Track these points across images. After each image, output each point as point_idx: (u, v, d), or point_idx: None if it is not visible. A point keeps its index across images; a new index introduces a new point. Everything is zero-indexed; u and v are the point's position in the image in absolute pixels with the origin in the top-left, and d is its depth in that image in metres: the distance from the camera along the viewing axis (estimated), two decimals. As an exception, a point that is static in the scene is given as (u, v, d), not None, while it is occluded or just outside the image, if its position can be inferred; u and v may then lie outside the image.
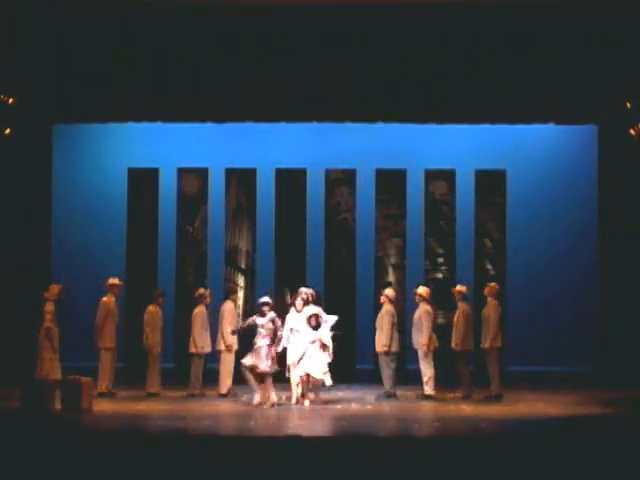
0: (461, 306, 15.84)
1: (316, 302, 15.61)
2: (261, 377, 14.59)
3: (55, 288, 15.03)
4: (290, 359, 14.96)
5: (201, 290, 16.10)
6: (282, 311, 16.04)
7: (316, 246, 18.27)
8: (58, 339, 14.14)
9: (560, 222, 18.13)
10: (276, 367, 14.69)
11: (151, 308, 15.86)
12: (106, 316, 15.81)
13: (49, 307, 14.34)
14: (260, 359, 14.53)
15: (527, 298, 17.90)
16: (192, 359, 15.88)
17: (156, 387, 15.65)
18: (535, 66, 15.67)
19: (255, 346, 14.66)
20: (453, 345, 15.77)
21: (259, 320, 14.74)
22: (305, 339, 14.86)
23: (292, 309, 15.26)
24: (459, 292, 15.94)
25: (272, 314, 14.78)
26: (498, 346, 15.66)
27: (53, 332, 14.01)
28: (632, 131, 15.95)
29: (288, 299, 17.73)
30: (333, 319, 15.13)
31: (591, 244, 17.80)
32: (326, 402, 15.07)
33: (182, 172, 18.49)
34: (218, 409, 14.67)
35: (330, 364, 15.00)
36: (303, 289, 15.40)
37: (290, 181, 18.44)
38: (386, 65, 15.79)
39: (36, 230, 17.52)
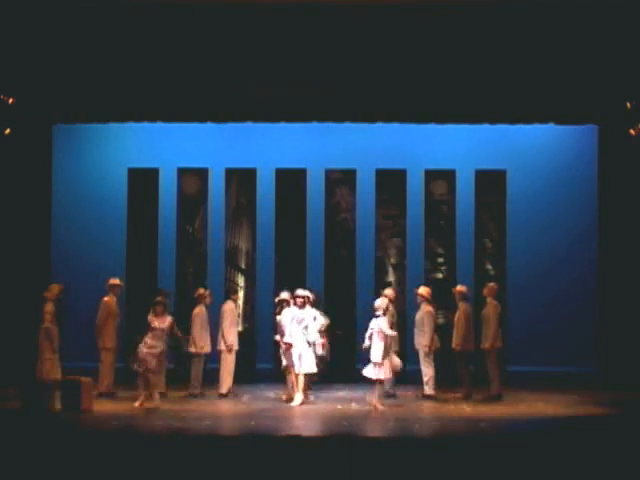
0: (461, 306, 15.84)
1: (315, 304, 15.63)
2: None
3: (55, 288, 15.03)
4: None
5: (201, 290, 16.10)
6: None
7: (316, 246, 18.25)
8: (58, 339, 14.13)
9: (560, 222, 18.14)
10: None
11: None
12: (107, 316, 15.81)
13: (49, 307, 14.34)
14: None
15: (527, 298, 17.91)
16: (192, 359, 15.87)
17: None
18: (535, 66, 15.65)
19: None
20: (453, 345, 15.76)
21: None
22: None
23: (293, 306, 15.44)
24: (459, 292, 15.94)
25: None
26: (498, 346, 15.66)
27: (52, 332, 14.00)
28: (632, 131, 15.95)
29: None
30: (320, 322, 15.33)
31: (591, 244, 17.80)
32: (326, 402, 15.09)
33: (182, 172, 18.48)
34: (218, 409, 14.68)
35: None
36: (299, 291, 15.50)
37: (290, 181, 18.43)
38: (386, 65, 15.77)
39: (36, 230, 17.51)
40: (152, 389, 14.58)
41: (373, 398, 14.43)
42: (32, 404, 13.73)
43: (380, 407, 14.34)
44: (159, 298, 15.00)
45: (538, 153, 18.29)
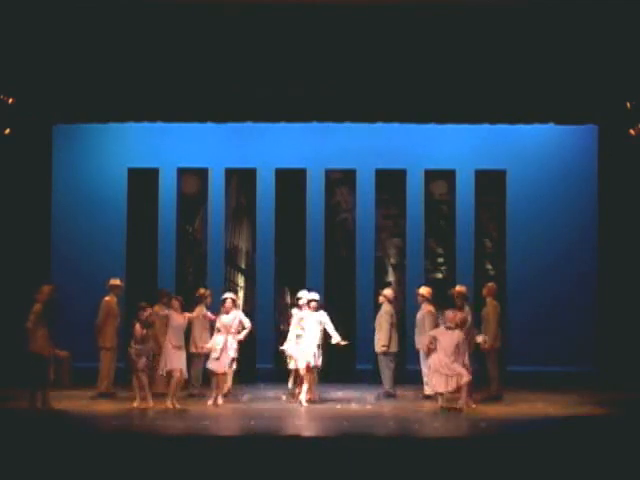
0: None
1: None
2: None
3: (46, 289, 14.81)
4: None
5: (201, 290, 16.09)
6: (283, 311, 16.02)
7: (316, 246, 18.26)
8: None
9: (560, 222, 18.13)
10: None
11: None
12: (107, 316, 15.81)
13: (36, 308, 14.29)
14: None
15: (527, 298, 17.89)
16: (192, 359, 15.85)
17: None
18: (535, 66, 15.64)
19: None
20: (453, 345, 15.75)
21: None
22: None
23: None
24: (458, 292, 15.92)
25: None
26: (498, 346, 15.66)
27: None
28: (632, 131, 15.95)
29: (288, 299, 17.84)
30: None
31: (591, 244, 17.80)
32: (326, 402, 15.09)
33: (182, 172, 18.49)
34: (218, 409, 14.68)
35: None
36: (303, 293, 15.60)
37: (290, 181, 18.43)
38: (386, 65, 15.76)
39: (36, 230, 17.51)
40: (146, 390, 14.58)
41: (466, 399, 14.51)
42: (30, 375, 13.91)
43: (473, 405, 14.51)
44: (143, 304, 14.96)
45: (538, 153, 18.27)
